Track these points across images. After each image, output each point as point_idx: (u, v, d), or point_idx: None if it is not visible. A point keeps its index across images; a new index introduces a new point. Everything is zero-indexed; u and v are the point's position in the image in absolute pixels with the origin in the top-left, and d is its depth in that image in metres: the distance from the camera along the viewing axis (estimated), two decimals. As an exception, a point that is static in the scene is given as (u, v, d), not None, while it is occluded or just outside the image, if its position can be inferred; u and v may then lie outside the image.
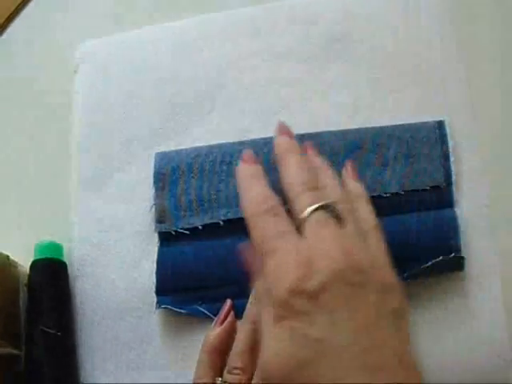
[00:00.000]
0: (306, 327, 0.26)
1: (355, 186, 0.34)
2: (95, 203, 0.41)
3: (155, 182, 0.39)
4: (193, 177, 0.39)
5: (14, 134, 0.45)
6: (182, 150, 0.40)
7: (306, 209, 0.29)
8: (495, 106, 0.39)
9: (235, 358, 0.33)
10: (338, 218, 0.29)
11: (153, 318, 0.38)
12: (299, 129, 0.39)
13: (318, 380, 0.25)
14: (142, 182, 0.40)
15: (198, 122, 0.41)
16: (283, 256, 0.28)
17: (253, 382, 0.31)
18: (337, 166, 0.37)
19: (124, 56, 0.44)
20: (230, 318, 0.36)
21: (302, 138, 0.38)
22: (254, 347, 0.33)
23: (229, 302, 0.36)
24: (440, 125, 0.38)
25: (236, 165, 0.38)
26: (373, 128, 0.39)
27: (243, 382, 0.32)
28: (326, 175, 0.33)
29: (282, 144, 0.34)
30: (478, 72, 0.40)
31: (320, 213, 0.29)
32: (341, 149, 0.38)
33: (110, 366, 0.38)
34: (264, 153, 0.39)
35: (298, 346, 0.26)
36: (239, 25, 0.43)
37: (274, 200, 0.30)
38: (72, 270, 0.40)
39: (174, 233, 0.38)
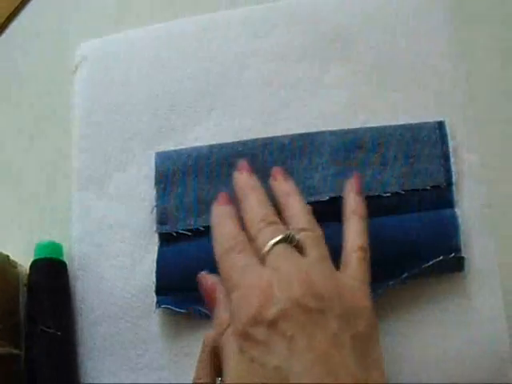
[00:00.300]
0: (265, 356, 0.26)
1: (355, 202, 0.34)
2: (95, 203, 0.41)
3: (156, 184, 0.39)
4: (194, 178, 0.39)
5: (14, 134, 0.45)
6: (182, 149, 0.40)
7: (266, 243, 0.30)
8: (495, 106, 0.39)
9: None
10: (299, 247, 0.30)
11: (153, 317, 0.38)
12: (299, 128, 0.40)
13: None
14: (141, 182, 0.40)
15: (198, 122, 0.41)
16: (245, 289, 0.28)
17: None
18: (337, 165, 0.38)
19: (124, 56, 0.43)
20: None
21: (301, 138, 0.39)
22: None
23: None
24: (440, 125, 0.38)
25: (236, 166, 0.38)
26: (373, 128, 0.39)
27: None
28: (295, 201, 0.34)
29: (241, 181, 0.35)
30: (478, 72, 0.40)
31: (281, 245, 0.30)
32: (340, 148, 0.38)
33: (110, 366, 0.38)
34: (263, 153, 0.39)
35: (257, 376, 0.26)
36: (239, 24, 0.43)
37: (240, 237, 0.31)
38: (72, 270, 0.40)
39: (174, 234, 0.38)
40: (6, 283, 0.37)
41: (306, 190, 0.37)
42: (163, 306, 0.37)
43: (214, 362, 0.34)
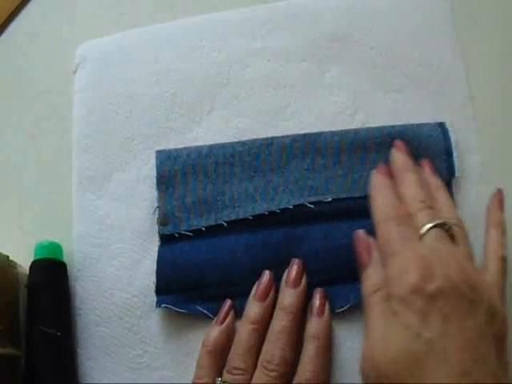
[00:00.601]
0: (421, 326, 0.27)
1: (498, 215, 0.35)
2: (95, 202, 0.41)
3: (158, 184, 0.39)
4: (195, 178, 0.39)
5: (14, 134, 0.45)
6: (182, 149, 0.40)
7: (425, 224, 0.31)
8: (495, 107, 0.39)
9: (236, 358, 0.34)
10: (452, 238, 0.31)
11: (153, 317, 0.38)
12: (299, 129, 0.40)
13: (423, 379, 0.26)
14: (142, 182, 0.40)
15: (199, 122, 0.41)
16: (405, 258, 0.30)
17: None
18: (339, 165, 0.38)
19: (123, 56, 0.43)
20: (229, 318, 0.36)
21: (302, 139, 0.39)
22: (254, 348, 0.34)
23: (228, 301, 0.36)
24: (441, 125, 0.38)
25: (237, 166, 0.38)
26: (374, 128, 0.39)
27: (244, 382, 0.33)
28: (443, 195, 0.35)
29: (400, 161, 0.36)
30: (479, 72, 0.40)
31: (437, 230, 0.31)
32: (342, 149, 0.38)
33: (110, 366, 0.38)
34: (264, 153, 0.39)
35: (412, 343, 0.27)
36: (240, 24, 0.43)
37: (402, 210, 0.33)
38: (72, 270, 0.40)
39: (176, 234, 0.38)
40: (6, 284, 0.37)
41: (307, 190, 0.38)
42: (163, 306, 0.37)
43: (214, 361, 0.34)
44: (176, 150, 0.40)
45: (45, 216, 0.42)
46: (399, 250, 0.30)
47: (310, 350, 0.34)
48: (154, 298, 0.37)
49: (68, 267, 0.39)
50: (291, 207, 0.37)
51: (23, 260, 0.39)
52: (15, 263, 0.38)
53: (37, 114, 0.45)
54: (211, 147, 0.39)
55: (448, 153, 0.37)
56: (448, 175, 0.37)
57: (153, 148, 0.41)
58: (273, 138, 0.39)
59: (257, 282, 0.36)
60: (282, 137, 0.39)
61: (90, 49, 0.44)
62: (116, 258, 0.39)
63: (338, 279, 0.36)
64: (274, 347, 0.33)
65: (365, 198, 0.36)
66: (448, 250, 0.30)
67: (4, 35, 0.47)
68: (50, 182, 0.43)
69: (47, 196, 0.42)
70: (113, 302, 0.38)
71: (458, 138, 0.38)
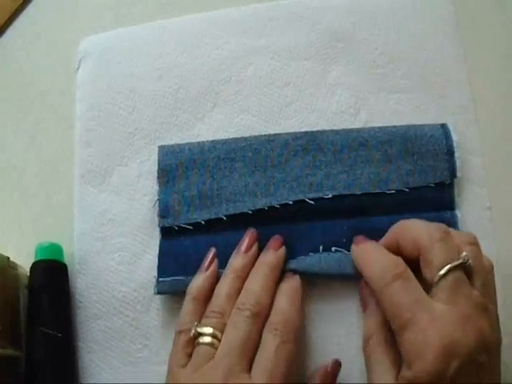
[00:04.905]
0: None
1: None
2: (97, 197, 0.40)
3: (159, 177, 0.39)
4: (196, 172, 0.38)
5: (15, 135, 0.44)
6: (185, 144, 0.40)
7: (443, 266, 0.30)
8: (497, 109, 0.40)
9: (214, 304, 0.34)
10: (469, 275, 0.30)
11: (152, 312, 0.38)
12: (301, 127, 0.40)
13: None
14: (143, 177, 0.40)
15: (201, 118, 0.41)
16: (420, 331, 0.29)
17: None
18: (340, 163, 0.38)
19: (127, 50, 0.43)
20: (213, 266, 0.36)
21: (304, 136, 0.39)
22: (233, 296, 0.34)
23: (213, 250, 0.37)
24: (443, 125, 0.38)
25: (239, 161, 0.38)
26: (376, 127, 0.39)
27: (218, 325, 0.33)
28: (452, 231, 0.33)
29: (368, 245, 0.35)
30: (481, 75, 0.40)
31: (456, 273, 0.30)
32: (344, 146, 0.38)
33: (109, 360, 0.38)
34: (266, 149, 0.39)
35: None
36: (244, 22, 0.42)
37: (402, 265, 0.31)
38: (73, 264, 0.39)
39: (176, 228, 0.38)
40: (7, 285, 0.36)
41: (308, 186, 0.38)
42: (162, 288, 0.37)
43: (197, 309, 0.34)
44: (178, 145, 0.40)
45: (45, 217, 0.42)
46: (410, 319, 0.29)
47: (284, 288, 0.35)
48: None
49: (68, 268, 0.39)
50: (291, 203, 0.37)
51: (24, 261, 0.38)
52: (16, 264, 0.38)
53: (37, 114, 0.44)
54: (213, 142, 0.39)
55: (450, 153, 0.38)
56: (450, 176, 0.37)
57: (155, 143, 0.40)
58: (275, 135, 0.39)
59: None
60: (284, 134, 0.39)
61: (92, 43, 0.44)
62: (117, 252, 0.39)
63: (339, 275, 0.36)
64: (249, 292, 0.34)
65: (366, 196, 0.36)
66: (467, 304, 0.29)
67: (5, 36, 0.47)
68: (50, 183, 0.42)
69: (48, 197, 0.42)
70: (113, 296, 0.38)
71: (460, 140, 0.38)
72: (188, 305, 0.35)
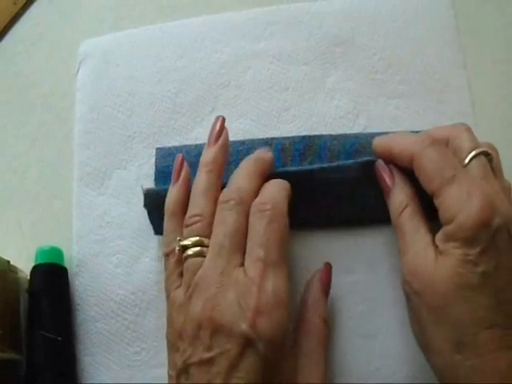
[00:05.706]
0: (477, 258, 0.28)
1: None
2: (95, 199, 0.41)
3: (156, 179, 0.39)
4: (193, 175, 0.38)
5: (16, 139, 0.44)
6: (182, 146, 0.40)
7: (472, 149, 0.31)
8: (497, 114, 0.40)
9: (191, 206, 0.32)
10: (492, 169, 0.31)
11: (150, 315, 0.38)
12: (299, 132, 0.40)
13: (467, 309, 0.28)
14: (142, 180, 0.40)
15: (200, 122, 0.41)
16: (465, 184, 0.29)
17: None
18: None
19: (126, 53, 0.43)
20: (183, 173, 0.35)
21: (302, 140, 0.39)
22: (211, 191, 0.33)
23: (180, 156, 0.35)
24: None
25: (236, 164, 0.38)
26: (373, 133, 0.38)
27: (201, 229, 0.31)
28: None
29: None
30: (481, 80, 0.40)
31: (481, 158, 0.31)
32: (340, 152, 0.38)
33: (107, 363, 0.38)
34: None
35: (467, 270, 0.28)
36: (243, 26, 0.42)
37: (435, 138, 0.32)
38: (71, 267, 0.39)
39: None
40: (7, 288, 0.37)
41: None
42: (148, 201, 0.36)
43: (177, 224, 0.33)
44: (175, 147, 0.40)
45: (46, 221, 0.42)
46: (453, 175, 0.29)
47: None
48: (152, 296, 0.37)
49: (68, 271, 0.39)
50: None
51: (24, 265, 0.39)
52: (16, 268, 0.38)
53: (38, 117, 0.44)
54: None
55: None
56: None
57: (153, 147, 0.41)
58: (272, 139, 0.39)
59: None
60: (282, 138, 0.39)
61: (92, 46, 0.44)
62: (115, 254, 0.39)
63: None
64: (231, 185, 0.32)
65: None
66: (495, 182, 0.30)
67: (5, 39, 0.47)
68: (51, 187, 0.42)
69: (48, 201, 0.42)
70: (111, 299, 0.39)
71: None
72: (168, 223, 0.33)
